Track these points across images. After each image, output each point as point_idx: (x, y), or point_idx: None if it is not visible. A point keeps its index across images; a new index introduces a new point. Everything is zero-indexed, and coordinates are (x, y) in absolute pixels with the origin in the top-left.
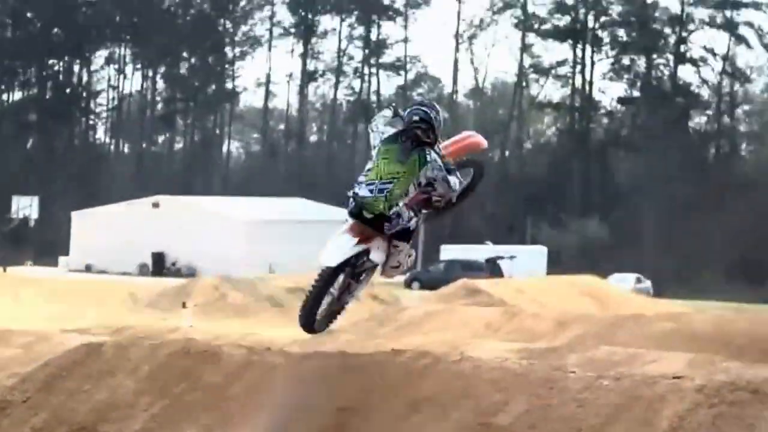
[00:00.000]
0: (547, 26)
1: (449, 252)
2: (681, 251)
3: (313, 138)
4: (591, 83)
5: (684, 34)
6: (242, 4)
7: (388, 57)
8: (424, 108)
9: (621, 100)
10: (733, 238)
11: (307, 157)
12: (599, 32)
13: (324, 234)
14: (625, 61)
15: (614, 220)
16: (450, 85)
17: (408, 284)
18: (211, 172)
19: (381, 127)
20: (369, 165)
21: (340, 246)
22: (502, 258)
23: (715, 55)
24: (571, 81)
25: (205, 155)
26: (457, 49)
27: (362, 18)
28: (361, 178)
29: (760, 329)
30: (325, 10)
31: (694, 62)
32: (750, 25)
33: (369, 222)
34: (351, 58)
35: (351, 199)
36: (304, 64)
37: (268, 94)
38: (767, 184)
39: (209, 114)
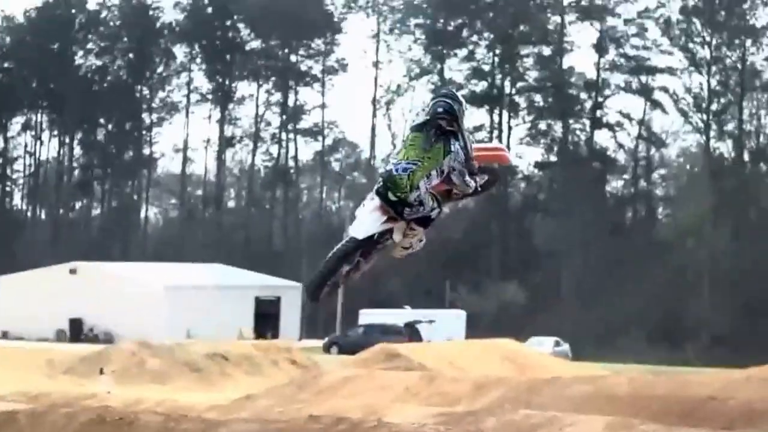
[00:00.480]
0: (463, 92)
1: (368, 316)
2: (600, 314)
3: (231, 203)
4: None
5: (600, 99)
6: (159, 70)
7: (305, 122)
8: (447, 99)
9: (538, 165)
10: (651, 300)
11: (225, 222)
12: (516, 98)
13: (242, 299)
14: (542, 126)
15: (533, 284)
16: (368, 150)
17: (327, 348)
18: (128, 238)
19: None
20: (397, 149)
21: (370, 221)
22: (420, 322)
23: (631, 119)
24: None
25: (123, 221)
26: (374, 115)
27: (279, 84)
28: (392, 160)
29: (678, 392)
30: (242, 76)
31: (610, 127)
32: (665, 90)
33: (392, 204)
34: (268, 123)
35: (380, 178)
36: (222, 129)
37: (185, 159)
38: (683, 247)
39: (127, 180)
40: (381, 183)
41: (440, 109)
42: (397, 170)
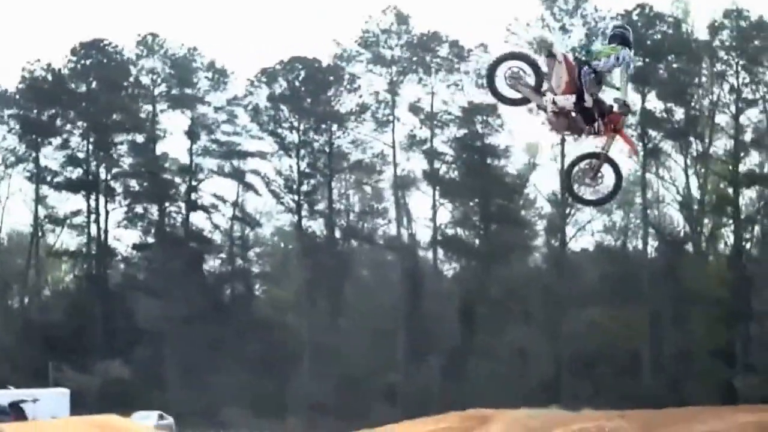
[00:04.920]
0: (59, 179)
1: None
2: (204, 388)
3: None
4: (106, 231)
5: (194, 182)
6: None
7: None
8: (621, 30)
9: (137, 247)
10: (254, 373)
11: None
12: (112, 183)
13: None
14: (139, 209)
15: (137, 361)
16: None
17: None
18: None
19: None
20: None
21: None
22: (25, 401)
23: (225, 201)
24: (86, 230)
25: None
26: None
27: None
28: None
29: None
30: None
31: (205, 209)
32: (257, 173)
33: (579, 62)
34: None
35: (583, 51)
36: None
37: None
38: (282, 321)
39: None
40: (585, 52)
41: (618, 34)
42: (595, 48)
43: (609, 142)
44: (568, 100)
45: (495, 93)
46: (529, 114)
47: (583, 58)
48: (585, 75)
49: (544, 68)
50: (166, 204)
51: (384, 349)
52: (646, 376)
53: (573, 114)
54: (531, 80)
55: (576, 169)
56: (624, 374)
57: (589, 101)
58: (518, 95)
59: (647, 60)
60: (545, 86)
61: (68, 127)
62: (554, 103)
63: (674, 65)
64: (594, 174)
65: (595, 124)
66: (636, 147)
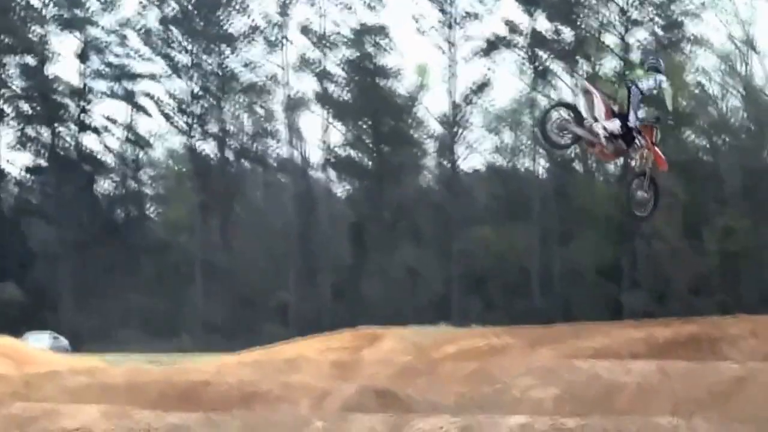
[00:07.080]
0: None
1: None
2: (99, 309)
3: None
4: None
5: (86, 105)
6: None
7: None
8: (654, 59)
9: (29, 170)
10: (148, 293)
11: None
12: (3, 105)
13: None
14: (30, 132)
15: (30, 283)
16: None
17: None
18: None
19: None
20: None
21: (598, 102)
22: None
23: (117, 123)
24: None
25: None
26: None
27: None
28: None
29: (175, 378)
30: None
31: (97, 131)
32: (148, 95)
33: (624, 78)
34: None
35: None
36: None
37: None
38: (176, 242)
39: None
40: (628, 72)
41: (653, 66)
42: (633, 69)
43: (649, 155)
44: (614, 124)
45: (550, 142)
46: (420, 36)
47: (629, 84)
48: (634, 95)
49: (583, 109)
50: (58, 126)
51: (276, 269)
52: (535, 294)
53: (616, 138)
54: (575, 121)
55: (631, 187)
56: (514, 292)
57: (633, 120)
58: (569, 139)
59: None
60: (587, 122)
61: None
62: (605, 129)
63: None
64: (647, 188)
65: (636, 142)
66: (665, 163)
